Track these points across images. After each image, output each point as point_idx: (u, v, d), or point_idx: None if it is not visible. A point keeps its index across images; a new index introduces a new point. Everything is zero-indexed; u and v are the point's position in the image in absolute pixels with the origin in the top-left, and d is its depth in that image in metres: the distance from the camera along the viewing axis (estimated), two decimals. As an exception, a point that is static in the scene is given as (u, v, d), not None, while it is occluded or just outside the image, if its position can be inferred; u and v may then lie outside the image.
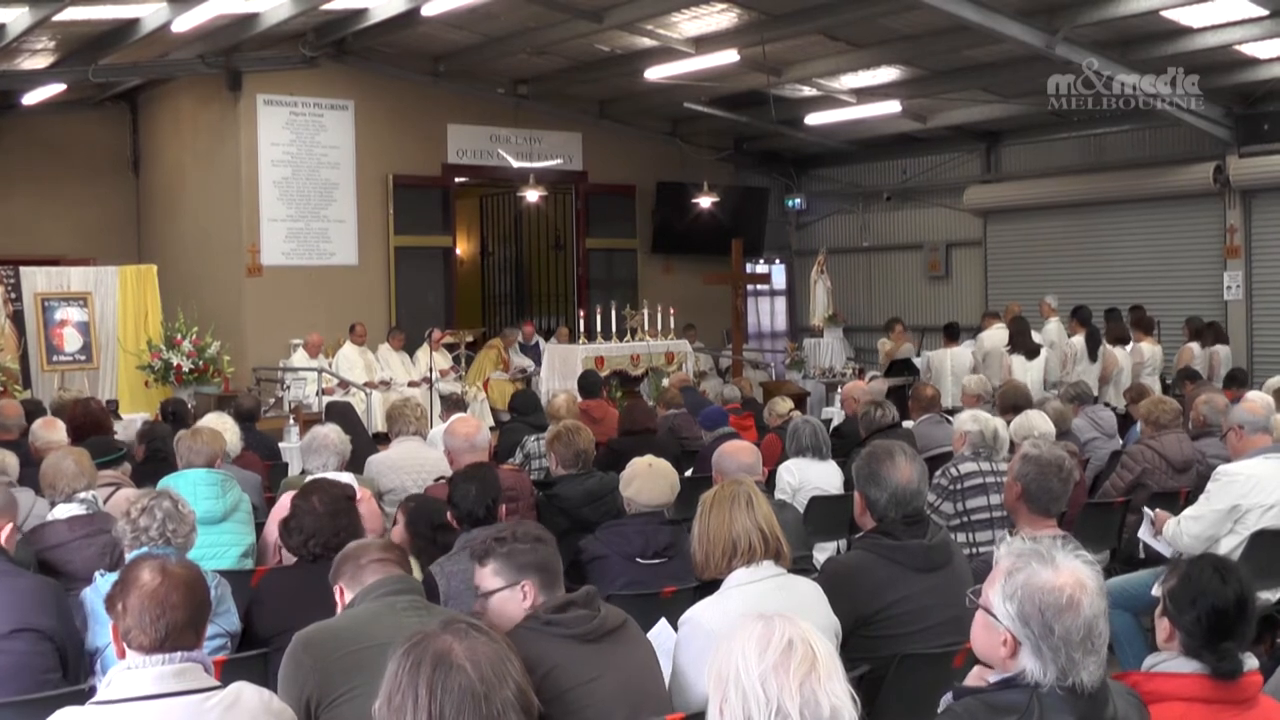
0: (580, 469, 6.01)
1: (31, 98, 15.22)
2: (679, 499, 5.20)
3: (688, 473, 7.23)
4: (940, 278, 17.98)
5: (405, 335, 15.15)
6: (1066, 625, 2.44)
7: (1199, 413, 7.22)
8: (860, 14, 12.35)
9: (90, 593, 4.13)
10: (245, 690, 2.88)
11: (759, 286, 19.38)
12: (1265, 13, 11.43)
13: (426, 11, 12.62)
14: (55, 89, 14.93)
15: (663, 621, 3.98)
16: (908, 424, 8.09)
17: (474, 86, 16.27)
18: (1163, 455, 6.79)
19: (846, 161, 18.71)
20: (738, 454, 5.32)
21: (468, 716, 2.26)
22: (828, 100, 15.49)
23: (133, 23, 12.63)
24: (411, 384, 14.39)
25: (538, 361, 14.84)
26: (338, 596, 3.50)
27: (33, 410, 8.36)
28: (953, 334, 13.34)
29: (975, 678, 2.65)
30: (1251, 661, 2.91)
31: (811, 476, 6.84)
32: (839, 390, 11.86)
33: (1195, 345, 12.45)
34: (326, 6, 12.84)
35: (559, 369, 13.46)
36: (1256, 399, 6.81)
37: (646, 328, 14.08)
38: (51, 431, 6.92)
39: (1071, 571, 2.50)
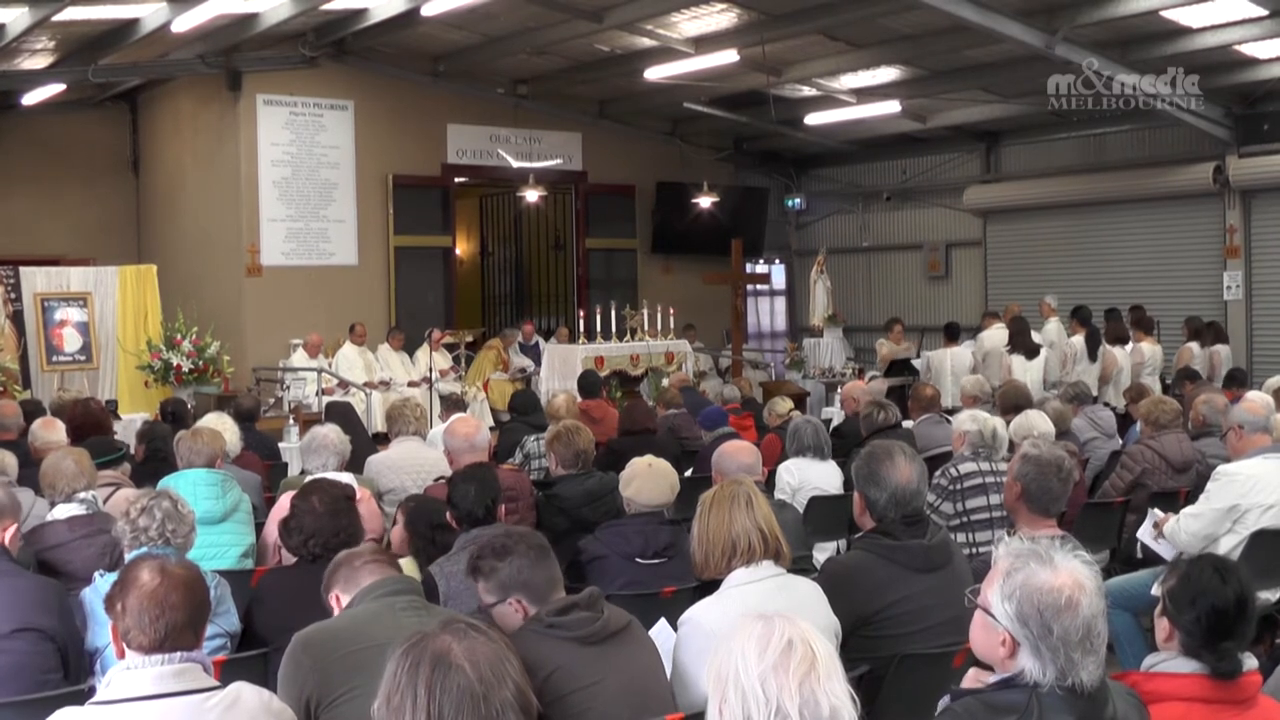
0: (580, 469, 6.01)
1: (31, 98, 15.22)
2: (679, 499, 5.19)
3: (687, 473, 7.22)
4: (940, 278, 17.98)
5: (405, 335, 15.15)
6: (1065, 625, 2.44)
7: (1198, 413, 7.22)
8: (860, 14, 12.35)
9: (90, 593, 4.13)
10: (245, 690, 2.88)
11: (759, 286, 19.38)
12: (1265, 13, 11.43)
13: (426, 11, 12.62)
14: (55, 89, 14.93)
15: (662, 621, 3.97)
16: (907, 424, 8.10)
17: (474, 86, 16.27)
18: (1162, 455, 6.79)
19: (846, 161, 18.71)
20: (737, 454, 5.31)
21: (466, 716, 2.26)
22: (827, 100, 15.49)
23: (132, 23, 12.63)
24: (411, 384, 14.39)
25: (537, 362, 14.84)
26: (334, 604, 3.49)
27: (32, 410, 8.36)
28: (953, 334, 13.34)
29: (971, 680, 2.66)
30: (1251, 661, 2.91)
31: (811, 476, 6.84)
32: (839, 390, 11.86)
33: (1195, 345, 12.45)
34: (326, 6, 12.84)
35: (559, 369, 13.45)
36: (1256, 399, 6.81)
37: (646, 328, 14.08)
38: (51, 432, 6.92)
39: (1070, 572, 2.49)
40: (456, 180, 17.01)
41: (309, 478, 5.77)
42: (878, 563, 3.98)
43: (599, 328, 13.73)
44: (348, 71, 15.49)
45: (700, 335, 16.79)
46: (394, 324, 15.60)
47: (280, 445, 9.94)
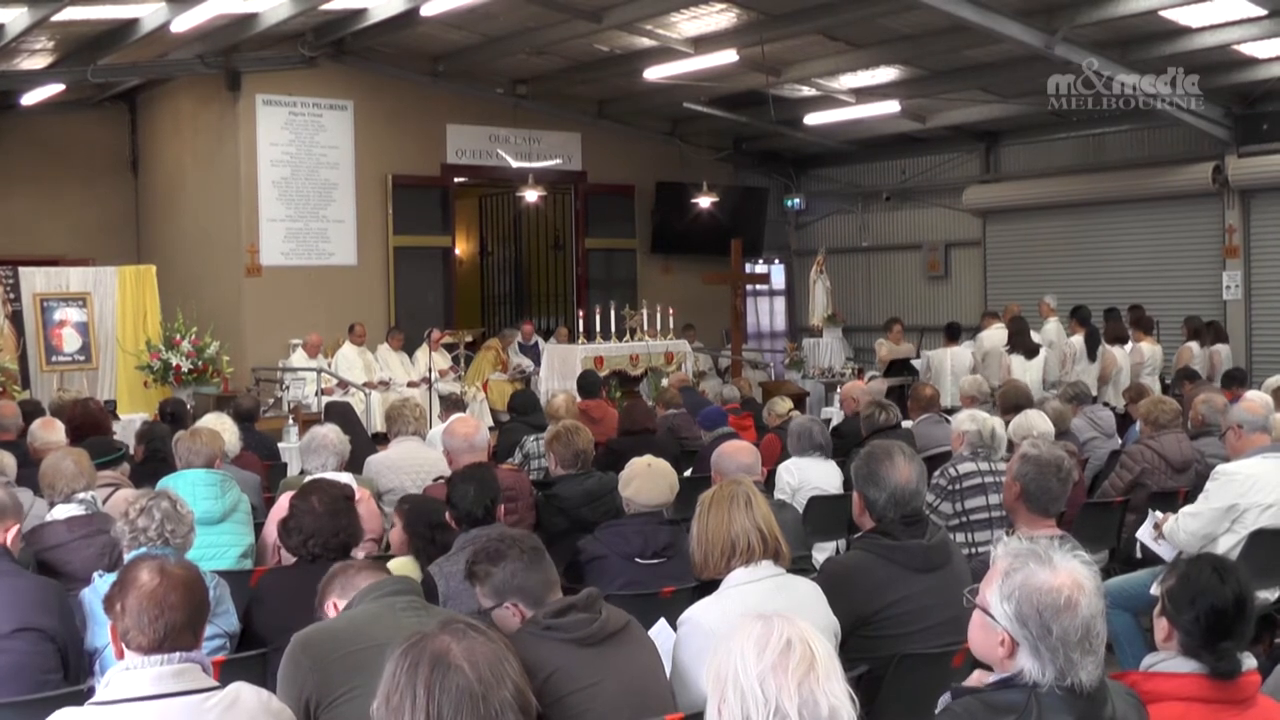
0: (579, 469, 6.01)
1: (30, 98, 15.22)
2: (678, 499, 5.19)
3: (687, 473, 7.23)
4: (939, 278, 17.98)
5: (404, 335, 15.15)
6: (1064, 625, 2.44)
7: (1198, 412, 7.22)
8: (859, 14, 12.35)
9: (89, 593, 4.13)
10: (244, 691, 2.88)
11: (758, 286, 19.40)
12: (1264, 12, 11.43)
13: (426, 11, 12.62)
14: (54, 89, 14.92)
15: (662, 621, 3.97)
16: (907, 424, 8.10)
17: (473, 86, 16.27)
18: (1162, 455, 6.79)
19: (846, 161, 18.71)
20: (737, 454, 5.31)
21: (465, 717, 2.25)
22: (827, 100, 15.50)
23: (132, 23, 12.62)
24: (411, 384, 14.38)
25: (537, 362, 14.84)
26: (330, 613, 3.48)
27: (31, 411, 8.36)
28: (953, 334, 13.34)
29: (976, 680, 2.65)
30: (1250, 661, 2.91)
31: (811, 476, 6.84)
32: (838, 390, 11.86)
33: (1194, 345, 12.45)
34: (326, 6, 12.83)
35: (558, 369, 13.45)
36: (1255, 398, 6.82)
37: (646, 328, 14.08)
38: (50, 432, 6.92)
39: (1069, 572, 2.49)
40: (456, 180, 17.01)
41: (308, 478, 5.77)
42: (877, 563, 3.98)
43: (598, 328, 13.73)
44: (347, 71, 15.49)
45: (700, 335, 16.79)
46: (393, 324, 15.60)
47: (279, 445, 9.94)
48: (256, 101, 15.12)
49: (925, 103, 15.86)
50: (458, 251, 18.56)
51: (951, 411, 7.90)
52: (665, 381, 12.55)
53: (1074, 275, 15.52)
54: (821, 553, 6.31)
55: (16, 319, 12.56)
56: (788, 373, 16.96)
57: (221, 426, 6.64)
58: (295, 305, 15.10)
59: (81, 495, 4.97)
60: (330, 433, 6.14)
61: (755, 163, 19.26)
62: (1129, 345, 12.32)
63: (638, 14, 12.97)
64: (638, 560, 4.84)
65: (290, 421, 11.95)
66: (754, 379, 16.23)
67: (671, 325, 14.56)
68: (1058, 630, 2.43)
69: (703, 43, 13.73)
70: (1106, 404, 10.29)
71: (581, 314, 14.62)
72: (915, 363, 13.78)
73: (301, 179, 15.45)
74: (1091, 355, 11.91)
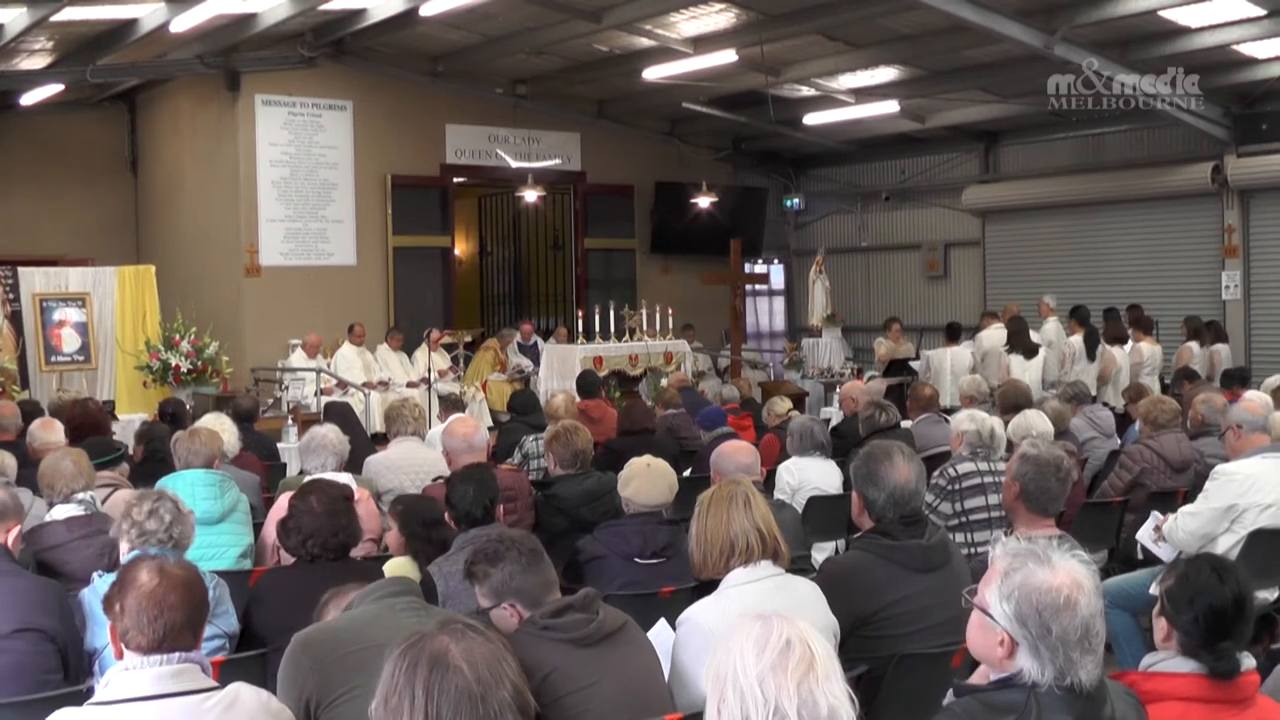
0: (579, 469, 6.01)
1: (30, 98, 15.22)
2: (677, 499, 5.19)
3: (686, 473, 7.23)
4: (938, 278, 17.98)
5: (404, 335, 15.14)
6: (1064, 625, 2.43)
7: (1197, 412, 7.22)
8: (859, 14, 12.35)
9: (88, 593, 4.13)
10: (243, 691, 2.88)
11: (757, 286, 19.39)
12: (1263, 12, 11.43)
13: (425, 11, 12.62)
14: (53, 89, 14.92)
15: (662, 621, 3.97)
16: (906, 424, 8.10)
17: (472, 86, 16.27)
18: (1161, 455, 6.79)
19: (845, 161, 18.71)
20: (736, 454, 5.31)
21: (464, 717, 2.25)
22: (826, 100, 15.50)
23: (131, 23, 12.62)
24: (410, 384, 14.38)
25: (536, 362, 14.84)
26: None
27: (31, 411, 8.36)
28: (954, 334, 13.34)
29: (981, 676, 2.65)
30: (1249, 661, 2.91)
31: (811, 476, 6.84)
32: (837, 390, 11.86)
33: (1194, 344, 12.45)
34: (325, 6, 12.83)
35: (557, 369, 13.45)
36: (1255, 398, 6.82)
37: (645, 328, 14.07)
38: (49, 432, 6.91)
39: (1068, 571, 2.49)
40: (455, 180, 17.01)
41: (308, 478, 5.77)
42: (876, 563, 3.98)
43: (598, 328, 13.73)
44: (346, 71, 15.49)
45: (699, 335, 16.79)
46: (393, 324, 15.60)
47: (279, 445, 9.94)
48: (256, 101, 15.12)
49: (924, 103, 15.86)
50: (457, 251, 18.56)
51: (951, 411, 7.90)
52: (664, 381, 12.55)
53: (1073, 275, 15.52)
54: (821, 553, 6.31)
55: (16, 319, 12.56)
56: (787, 373, 16.96)
57: (220, 427, 6.64)
58: (294, 305, 15.09)
59: (81, 495, 4.97)
60: (330, 433, 6.14)
61: (754, 163, 19.26)
62: (1128, 345, 12.32)
63: (637, 14, 12.97)
64: (637, 560, 4.84)
65: (289, 422, 11.96)
66: (753, 379, 16.23)
67: (671, 325, 14.56)
68: (1057, 629, 2.43)
69: (702, 43, 13.73)
70: (1106, 404, 10.29)
71: (581, 314, 14.62)
72: (914, 363, 13.78)
73: (301, 179, 15.44)
74: (1091, 355, 11.91)
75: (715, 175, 18.11)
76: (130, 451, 6.93)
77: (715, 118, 16.72)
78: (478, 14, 13.14)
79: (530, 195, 16.90)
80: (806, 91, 15.34)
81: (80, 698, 3.24)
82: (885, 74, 14.75)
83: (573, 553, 4.95)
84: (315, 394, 13.43)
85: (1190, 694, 2.85)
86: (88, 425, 7.32)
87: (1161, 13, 11.52)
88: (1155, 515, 5.79)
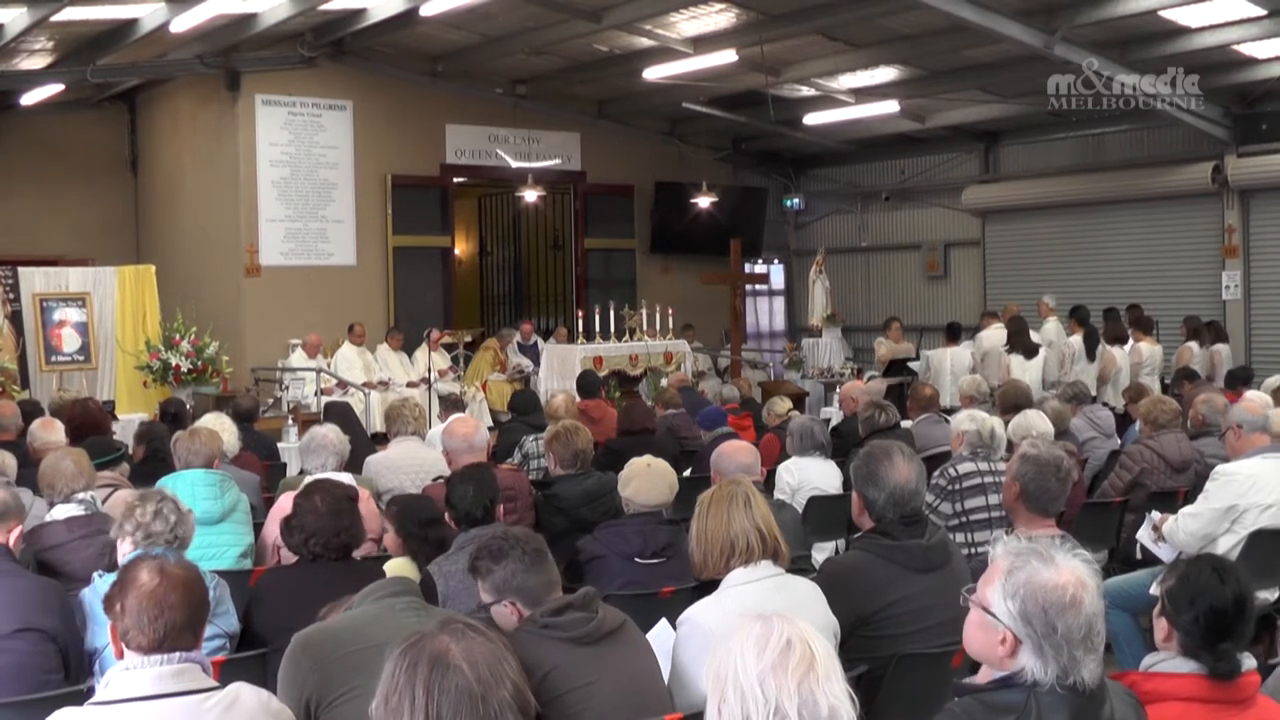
0: (579, 469, 6.01)
1: (30, 98, 15.22)
2: (677, 499, 5.19)
3: (686, 473, 7.23)
4: (938, 278, 17.98)
5: (404, 335, 15.14)
6: (1069, 623, 2.44)
7: (1198, 412, 7.22)
8: (859, 14, 12.35)
9: (89, 593, 4.13)
10: (244, 691, 2.88)
11: (757, 286, 19.40)
12: (1264, 12, 11.43)
13: (425, 11, 12.62)
14: (54, 89, 14.92)
15: (663, 621, 3.97)
16: (906, 424, 8.09)
17: (472, 86, 16.27)
18: (1161, 455, 6.79)
19: (845, 161, 18.71)
20: (736, 454, 5.31)
21: (464, 717, 2.25)
22: (826, 100, 15.50)
23: (131, 23, 12.62)
24: (410, 384, 14.38)
25: (536, 362, 14.84)
26: None
27: (31, 411, 8.36)
28: (954, 334, 13.34)
29: (984, 677, 2.65)
30: (1249, 661, 2.91)
31: (811, 476, 6.84)
32: (837, 390, 11.86)
33: (1194, 345, 12.44)
34: (325, 6, 12.83)
35: (557, 369, 13.45)
36: (1255, 398, 6.83)
37: (645, 328, 14.07)
38: (50, 432, 6.91)
39: (1072, 570, 2.50)
40: (455, 180, 17.01)
41: (308, 478, 5.77)
42: (876, 563, 3.98)
43: (598, 328, 13.73)
44: (346, 71, 15.49)
45: (699, 335, 16.79)
46: (393, 324, 15.60)
47: (279, 445, 9.94)
48: (256, 101, 15.12)
49: (924, 103, 15.86)
50: (457, 251, 18.56)
51: (951, 411, 7.90)
52: (664, 381, 12.55)
53: (1073, 275, 15.52)
54: (821, 553, 6.31)
55: (16, 319, 12.56)
56: (787, 373, 16.96)
57: (220, 426, 6.63)
58: (294, 305, 15.09)
59: (81, 495, 4.97)
60: (330, 433, 6.13)
61: (754, 163, 19.26)
62: (1128, 345, 12.32)
63: (637, 14, 12.97)
64: (637, 560, 4.84)
65: (289, 421, 11.96)
66: (753, 379, 16.23)
67: (671, 325, 14.56)
68: (1062, 628, 2.43)
69: (702, 43, 13.73)
70: (1105, 404, 10.29)
71: (581, 314, 14.62)
72: (914, 363, 13.78)
73: (301, 179, 15.44)
74: (1090, 355, 11.91)
75: (715, 175, 18.10)
76: (130, 451, 6.93)
77: (715, 118, 16.72)
78: (478, 14, 13.14)
79: (530, 195, 16.90)
80: (806, 91, 15.34)
81: (81, 697, 3.24)
82: (885, 74, 14.75)
83: (573, 552, 4.95)
84: (315, 394, 13.44)
85: (1190, 694, 2.85)
86: (88, 425, 7.32)
87: (1161, 13, 11.52)
88: (1153, 515, 5.79)
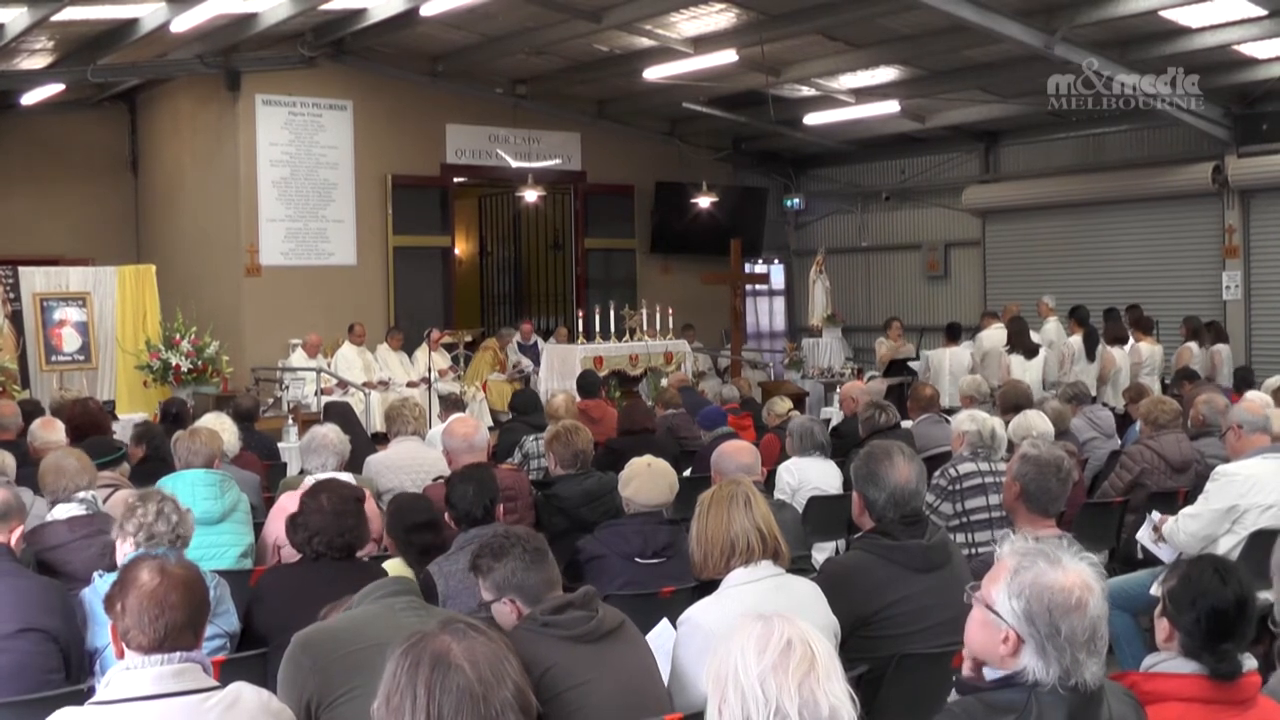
0: (579, 469, 6.00)
1: (30, 98, 15.22)
2: (678, 499, 5.19)
3: (686, 473, 7.23)
4: (939, 278, 17.98)
5: (404, 335, 15.14)
6: (1073, 625, 2.44)
7: (1198, 412, 7.21)
8: (859, 14, 12.35)
9: (89, 593, 4.13)
10: (244, 691, 2.88)
11: (757, 286, 19.40)
12: (1264, 13, 11.44)
13: (425, 11, 12.62)
14: (54, 89, 14.92)
15: (664, 621, 3.97)
16: (906, 424, 8.09)
17: (472, 86, 16.27)
18: (1161, 455, 6.79)
19: (845, 161, 18.71)
20: (736, 454, 5.31)
21: (466, 716, 2.25)
22: (826, 100, 15.50)
23: (131, 23, 12.62)
24: (410, 384, 14.39)
25: (536, 362, 14.84)
26: None
27: (31, 410, 8.36)
28: (954, 334, 13.34)
29: (971, 671, 2.65)
30: (1250, 662, 2.91)
31: (811, 476, 6.84)
32: (837, 390, 11.86)
33: (1193, 345, 12.44)
34: (325, 6, 12.83)
35: (558, 369, 13.45)
36: (1255, 399, 6.82)
37: (645, 328, 14.08)
38: (50, 431, 6.91)
39: (1078, 572, 2.50)
40: (455, 180, 17.01)
41: (309, 478, 5.77)
42: (877, 563, 3.98)
43: (598, 328, 13.73)
44: (346, 71, 15.49)
45: (699, 335, 16.79)
46: (393, 324, 15.60)
47: (279, 445, 9.94)
48: (256, 101, 15.12)
49: (925, 103, 15.87)
50: (457, 251, 18.57)
51: (951, 412, 7.89)
52: (664, 381, 12.55)
53: (1073, 275, 15.53)
54: (821, 553, 6.31)
55: (16, 319, 12.56)
56: (787, 373, 16.96)
57: (221, 426, 6.63)
58: (295, 305, 15.09)
59: (82, 495, 4.96)
60: (330, 433, 6.13)
61: (754, 163, 19.26)
62: (1128, 345, 12.31)
63: (637, 14, 12.97)
64: (637, 560, 4.84)
65: (290, 421, 11.96)
66: (753, 379, 16.23)
67: (671, 325, 14.56)
68: (1066, 629, 2.44)
69: (702, 43, 13.73)
70: (1106, 404, 10.29)
71: (581, 314, 14.62)
72: (914, 363, 13.78)
73: (301, 179, 15.44)
74: (1090, 355, 11.91)
75: (715, 175, 18.11)
76: (130, 451, 6.93)
77: (715, 118, 16.72)
78: (478, 14, 13.14)
79: (530, 195, 16.90)
80: (806, 91, 15.34)
81: (81, 697, 3.24)
82: (885, 74, 14.75)
83: (573, 552, 4.95)
84: (315, 394, 13.44)
85: (1191, 695, 2.85)
86: (88, 425, 7.33)
87: (1161, 13, 11.52)
88: (1153, 515, 5.79)
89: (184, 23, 12.18)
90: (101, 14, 12.32)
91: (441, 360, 14.89)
